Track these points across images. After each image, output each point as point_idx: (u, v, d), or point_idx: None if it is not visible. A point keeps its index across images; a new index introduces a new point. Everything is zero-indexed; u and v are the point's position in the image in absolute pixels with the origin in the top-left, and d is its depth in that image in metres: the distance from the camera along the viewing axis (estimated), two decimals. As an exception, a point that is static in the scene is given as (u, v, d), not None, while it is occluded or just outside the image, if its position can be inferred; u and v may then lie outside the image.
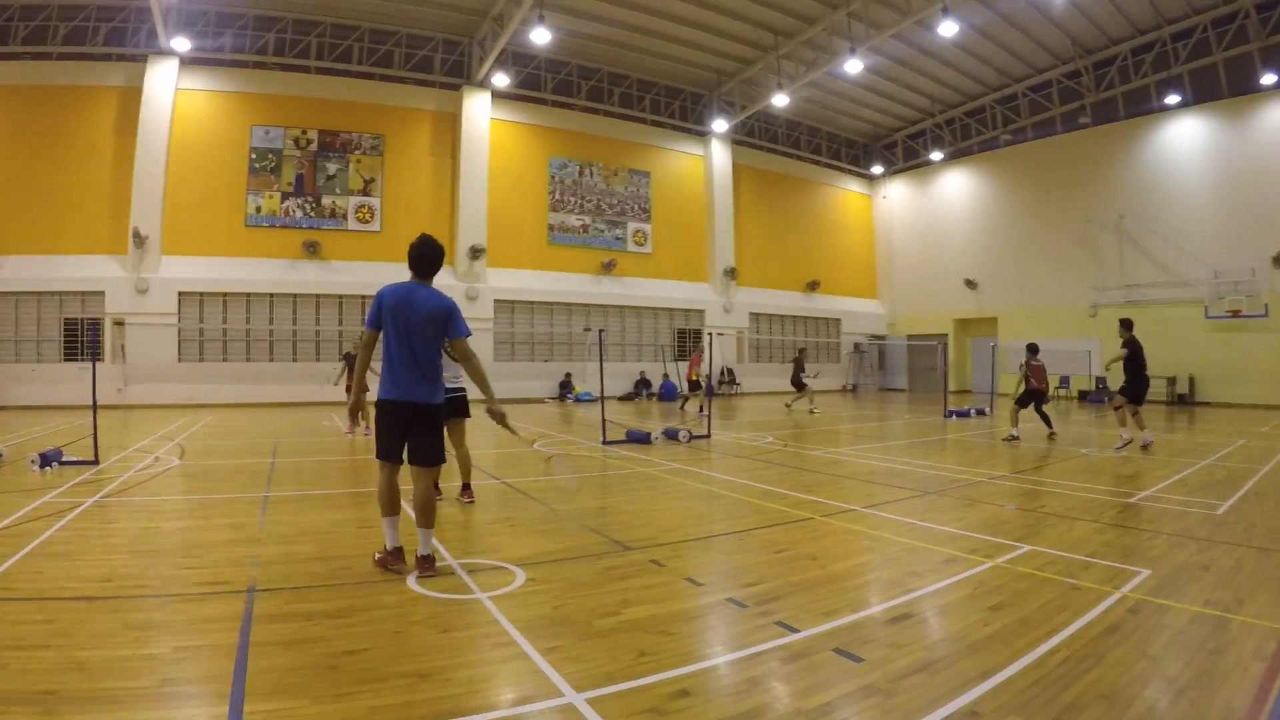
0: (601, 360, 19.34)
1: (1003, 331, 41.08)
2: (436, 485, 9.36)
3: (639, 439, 17.49)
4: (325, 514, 9.95)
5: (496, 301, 36.25)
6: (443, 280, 10.29)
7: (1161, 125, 36.30)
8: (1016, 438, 17.62)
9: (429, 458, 7.13)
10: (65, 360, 30.97)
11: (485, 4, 33.47)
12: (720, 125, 40.93)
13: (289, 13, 34.23)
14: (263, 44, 34.39)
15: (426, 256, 7.28)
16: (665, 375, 37.72)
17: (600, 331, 20.35)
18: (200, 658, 4.99)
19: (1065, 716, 4.07)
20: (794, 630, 5.27)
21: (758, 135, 44.56)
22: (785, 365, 41.12)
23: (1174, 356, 34.06)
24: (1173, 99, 35.33)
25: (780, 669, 4.67)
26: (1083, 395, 36.82)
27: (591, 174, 39.90)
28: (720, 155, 42.50)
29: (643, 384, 38.12)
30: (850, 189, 49.10)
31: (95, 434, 14.51)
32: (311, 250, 34.12)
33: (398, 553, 7.10)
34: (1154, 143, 36.60)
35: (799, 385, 27.33)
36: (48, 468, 13.29)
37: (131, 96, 32.45)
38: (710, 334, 23.14)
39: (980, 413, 25.08)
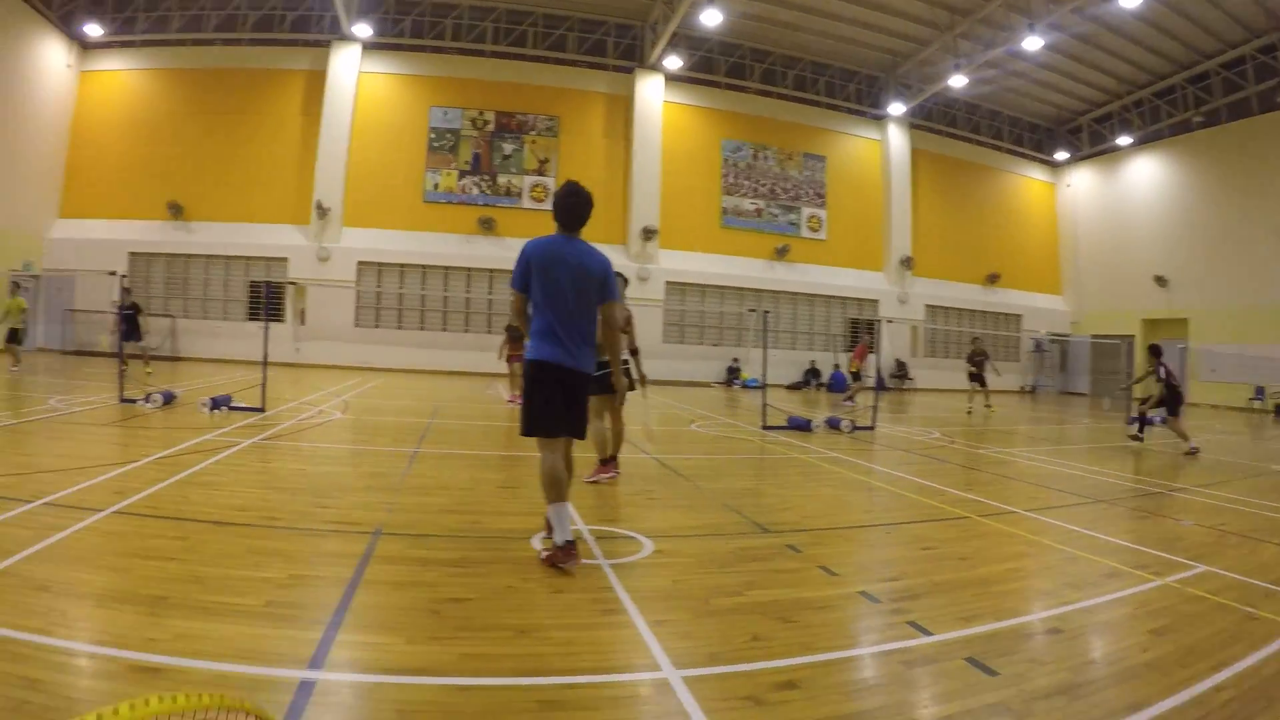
0: (765, 342, 19.02)
1: (1194, 334, 37.68)
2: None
3: (799, 425, 17.03)
4: (467, 472, 10.19)
5: (668, 283, 36.09)
6: (615, 260, 10.20)
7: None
8: (1196, 449, 16.19)
9: (583, 428, 6.49)
10: (249, 320, 32.62)
11: (658, -14, 33.22)
12: (897, 108, 39.82)
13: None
14: (440, 29, 35.32)
15: (573, 208, 6.37)
16: (836, 365, 36.74)
17: (765, 313, 19.90)
18: (311, 586, 5.24)
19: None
20: (926, 633, 4.85)
21: (936, 119, 42.91)
22: (961, 361, 40.21)
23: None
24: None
25: (902, 672, 4.32)
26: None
27: (766, 157, 39.43)
28: (897, 139, 41.24)
29: (812, 373, 37.25)
30: (1033, 176, 46.57)
31: (264, 384, 15.28)
32: (486, 226, 34.89)
33: (570, 547, 5.93)
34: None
35: (982, 380, 25.47)
36: (216, 411, 14.27)
37: (317, 79, 34.00)
38: (875, 323, 22.38)
39: (1164, 421, 23.52)
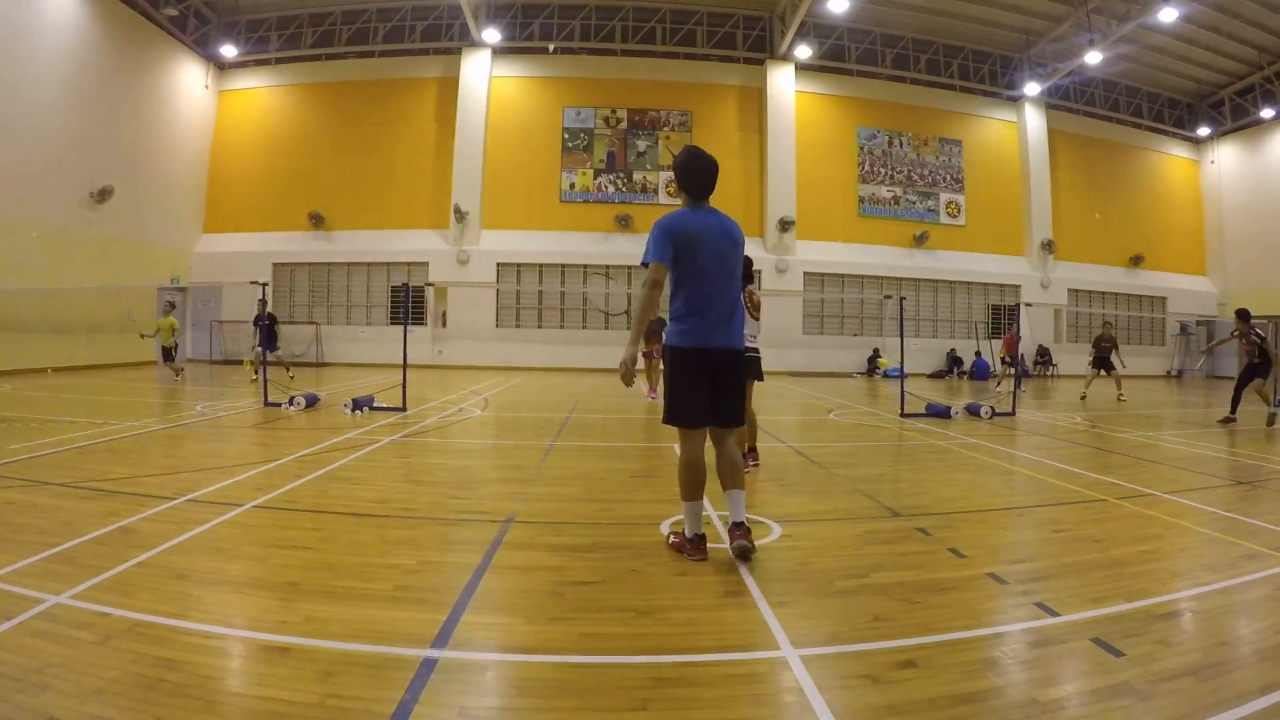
0: (902, 330, 18.58)
1: (1349, 313, 35.88)
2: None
3: (938, 413, 16.81)
4: (602, 462, 10.31)
5: (806, 274, 35.83)
6: (753, 252, 10.10)
7: None
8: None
9: (741, 412, 5.94)
10: (391, 324, 33.30)
11: (782, -24, 33.02)
12: (1033, 89, 38.63)
13: (591, 0, 35.22)
14: (569, 30, 35.59)
15: (700, 172, 5.83)
16: (977, 353, 35.90)
17: (902, 299, 19.44)
18: (439, 572, 5.40)
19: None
20: (1053, 614, 4.69)
21: (1072, 98, 41.57)
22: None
23: None
24: None
25: (1024, 653, 4.19)
26: None
27: (901, 144, 38.87)
28: (1034, 120, 40.07)
29: (954, 361, 36.56)
30: (1174, 154, 44.59)
31: (404, 384, 15.82)
32: (623, 224, 35.17)
33: (700, 541, 5.77)
34: None
35: (1110, 366, 24.15)
36: (358, 411, 14.69)
37: (449, 86, 34.73)
38: (1019, 306, 21.73)
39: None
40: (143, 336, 23.12)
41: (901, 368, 18.53)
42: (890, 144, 38.72)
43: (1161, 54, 38.42)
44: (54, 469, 8.69)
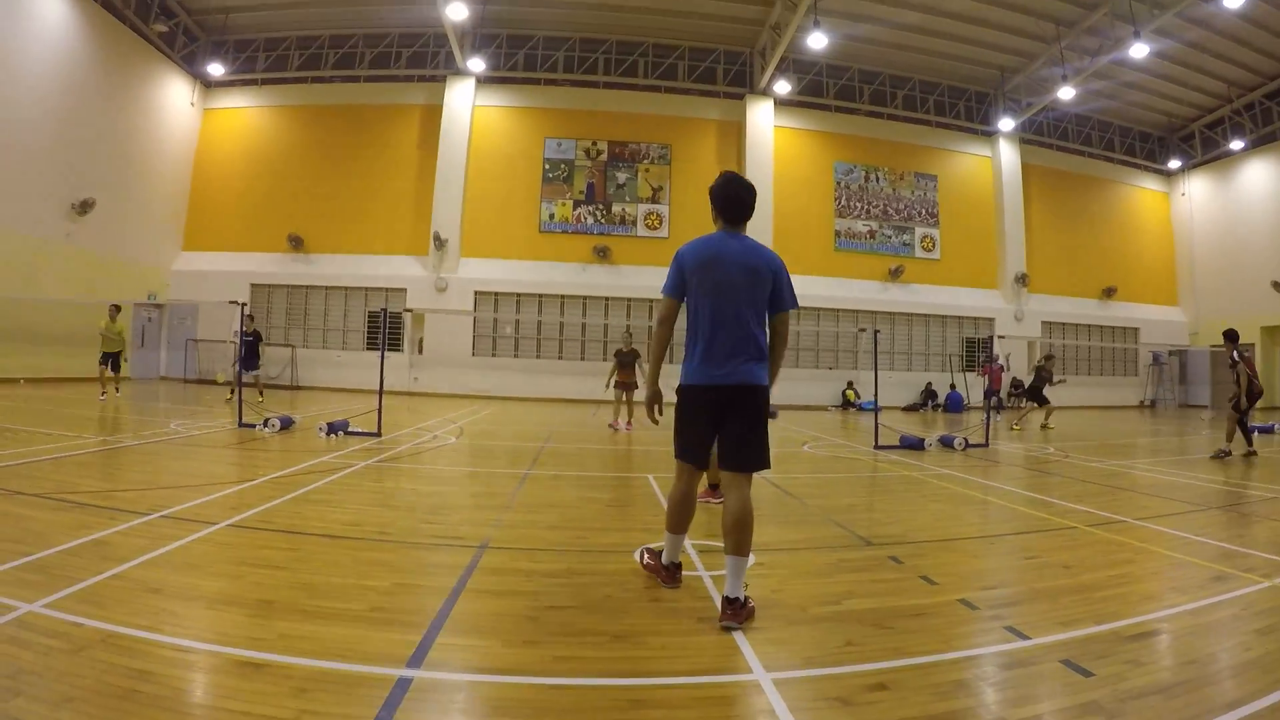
0: (876, 363, 18.90)
1: (1316, 341, 35.94)
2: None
3: (912, 444, 16.84)
4: (577, 491, 10.36)
5: (781, 307, 35.64)
6: None
7: None
8: (1227, 453, 15.77)
9: (753, 458, 5.28)
10: (368, 349, 33.45)
11: (763, 13, 33.90)
12: (1007, 124, 39.23)
13: (576, 32, 35.89)
14: (553, 62, 36.02)
15: (737, 197, 5.48)
16: (952, 386, 36.15)
17: (876, 332, 19.83)
18: (414, 594, 5.42)
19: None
20: (1023, 637, 4.78)
21: (1046, 133, 42.30)
22: (1079, 377, 39.43)
23: None
24: None
25: (995, 674, 4.29)
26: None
27: (877, 179, 39.26)
28: (1008, 155, 40.59)
29: (929, 395, 36.62)
30: (1146, 186, 45.45)
31: (380, 410, 15.66)
32: (601, 255, 35.27)
33: (675, 569, 5.65)
34: None
35: (1040, 397, 24.32)
36: (333, 435, 14.65)
37: (433, 113, 34.95)
38: (993, 338, 21.91)
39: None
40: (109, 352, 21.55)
41: (876, 400, 18.69)
42: (867, 179, 39.08)
43: (1133, 89, 39.29)
44: (26, 479, 8.70)
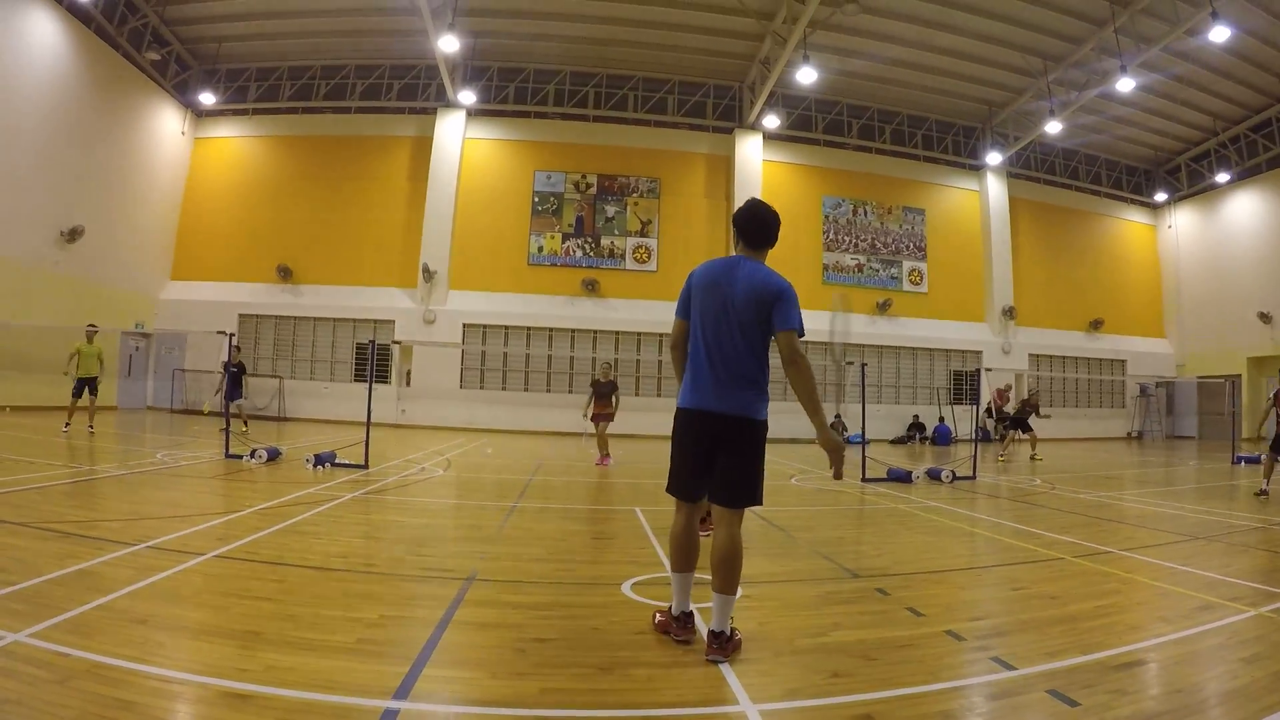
0: (864, 395, 19.48)
1: (1304, 371, 36.74)
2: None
3: (899, 477, 16.93)
4: (563, 524, 10.44)
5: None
6: None
7: None
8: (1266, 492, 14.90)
9: (741, 493, 5.12)
10: (355, 381, 33.20)
11: (752, 49, 34.07)
12: (994, 158, 39.39)
13: (566, 66, 36.02)
14: (543, 95, 36.18)
15: (758, 216, 5.45)
16: (940, 419, 36.17)
17: (863, 365, 20.25)
18: (401, 626, 5.44)
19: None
20: (1009, 667, 4.80)
21: (1034, 166, 42.49)
22: (1067, 409, 39.50)
23: None
24: None
25: (980, 704, 4.34)
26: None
27: (866, 213, 39.29)
28: (996, 189, 40.73)
29: (916, 428, 36.57)
30: (1133, 219, 45.61)
31: (367, 442, 15.60)
32: (590, 288, 35.27)
33: (686, 620, 5.22)
34: None
35: (1024, 426, 24.50)
36: (320, 467, 14.61)
37: (423, 145, 35.07)
38: (980, 371, 22.03)
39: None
40: (65, 374, 20.35)
41: (863, 433, 18.72)
42: (855, 212, 39.12)
43: (1120, 123, 39.51)
44: (10, 508, 8.68)
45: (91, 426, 19.93)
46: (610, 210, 36.65)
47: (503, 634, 5.27)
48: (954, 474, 17.15)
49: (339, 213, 35.29)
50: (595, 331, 35.13)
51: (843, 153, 39.15)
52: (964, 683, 4.61)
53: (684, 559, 5.29)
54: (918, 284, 39.55)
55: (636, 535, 9.44)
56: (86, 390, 20.01)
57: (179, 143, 35.13)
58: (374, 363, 18.87)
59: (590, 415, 19.19)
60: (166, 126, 34.28)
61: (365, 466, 15.10)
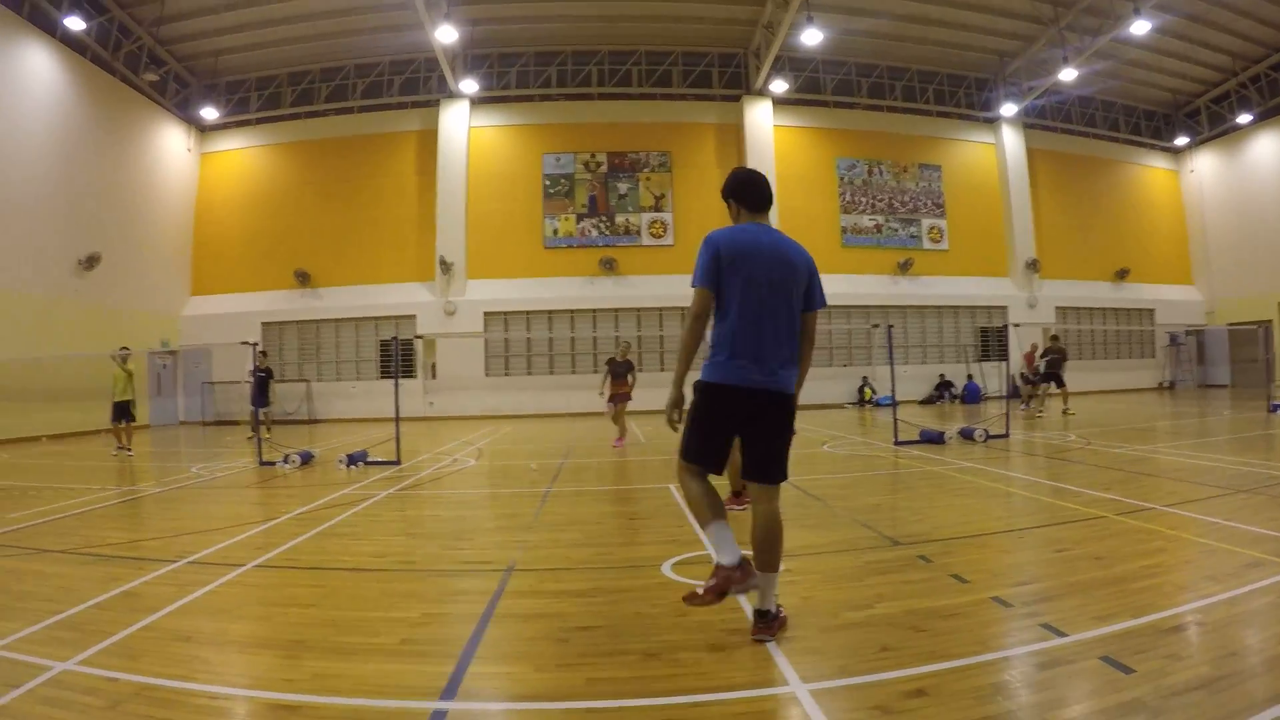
0: (891, 356, 19.04)
1: (1337, 313, 35.41)
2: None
3: (932, 439, 16.79)
4: (598, 507, 10.43)
5: (791, 306, 35.51)
6: None
7: None
8: None
9: (783, 468, 4.98)
10: (381, 378, 33.40)
11: (755, 13, 33.73)
12: (1009, 109, 38.73)
13: (567, 45, 35.85)
14: (545, 77, 36.03)
15: (757, 182, 5.32)
16: (969, 376, 36.02)
17: (890, 327, 19.90)
18: (444, 623, 5.42)
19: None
20: (1060, 634, 4.68)
21: (1049, 116, 41.64)
22: (1096, 361, 39.20)
23: None
24: None
25: (1035, 675, 4.21)
26: None
27: (881, 172, 38.94)
28: (1012, 141, 40.08)
29: (944, 386, 36.41)
30: (1154, 165, 44.59)
31: (398, 438, 15.77)
32: (608, 267, 35.20)
33: (745, 566, 4.81)
34: None
35: (1059, 380, 24.41)
36: (353, 466, 14.74)
37: (429, 138, 34.99)
38: (1007, 327, 21.69)
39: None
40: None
41: (893, 395, 18.56)
42: (870, 173, 38.78)
43: (1136, 66, 38.59)
44: (54, 536, 8.73)
45: (124, 448, 19.79)
46: (623, 187, 36.54)
47: (545, 624, 5.25)
48: (987, 433, 17.04)
49: (351, 213, 35.35)
50: (616, 310, 35.21)
51: (854, 113, 38.75)
52: (1015, 651, 4.50)
53: (714, 508, 4.93)
54: (938, 241, 39.23)
55: (673, 514, 9.35)
56: (125, 414, 20.09)
57: (186, 160, 35.32)
58: (399, 358, 18.95)
59: (609, 396, 18.71)
60: (172, 145, 34.46)
61: (398, 463, 15.15)
